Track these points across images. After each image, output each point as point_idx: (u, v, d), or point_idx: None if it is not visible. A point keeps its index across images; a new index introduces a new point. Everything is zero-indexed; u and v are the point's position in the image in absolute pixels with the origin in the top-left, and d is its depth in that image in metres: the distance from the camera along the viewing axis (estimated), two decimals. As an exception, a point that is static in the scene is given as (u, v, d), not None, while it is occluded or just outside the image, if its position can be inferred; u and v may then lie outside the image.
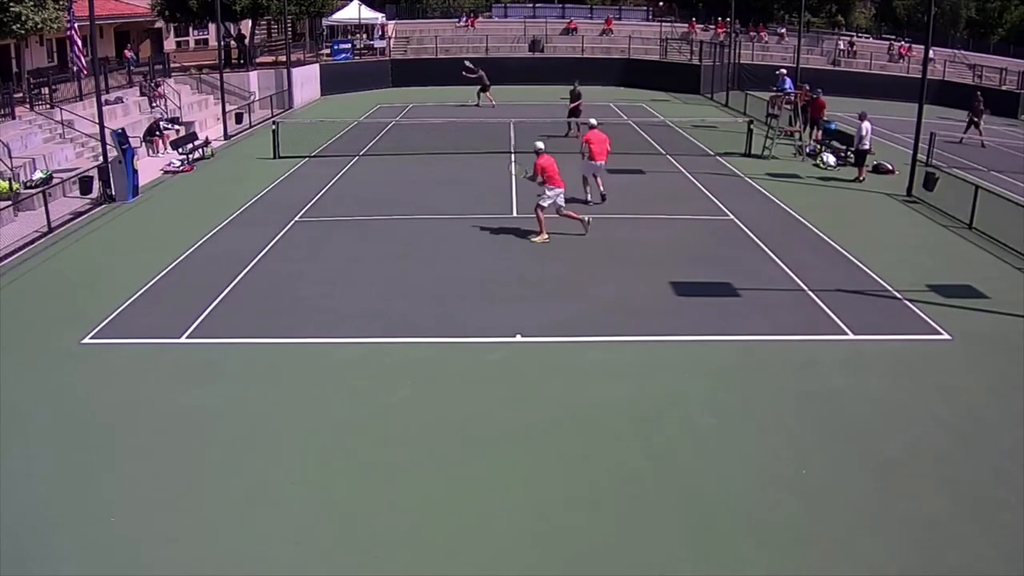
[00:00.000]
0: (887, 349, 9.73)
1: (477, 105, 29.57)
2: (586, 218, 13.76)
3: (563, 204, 13.62)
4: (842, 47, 42.45)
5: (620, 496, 6.88)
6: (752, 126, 21.73)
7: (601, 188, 15.94)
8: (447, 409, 8.29)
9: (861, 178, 18.70)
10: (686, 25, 44.02)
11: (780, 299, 11.24)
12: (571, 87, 23.79)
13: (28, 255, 13.30)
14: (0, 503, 6.65)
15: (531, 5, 47.83)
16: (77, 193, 16.80)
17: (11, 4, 20.44)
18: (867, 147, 18.61)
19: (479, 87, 29.92)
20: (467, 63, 30.87)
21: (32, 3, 20.98)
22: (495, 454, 7.50)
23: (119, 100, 23.84)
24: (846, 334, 10.05)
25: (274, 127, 21.41)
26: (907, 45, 41.93)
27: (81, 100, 22.31)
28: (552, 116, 25.73)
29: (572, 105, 23.23)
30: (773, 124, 22.71)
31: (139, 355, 9.58)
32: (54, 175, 17.42)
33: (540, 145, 13.64)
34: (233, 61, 34.37)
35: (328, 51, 39.34)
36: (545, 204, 13.40)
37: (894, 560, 6.07)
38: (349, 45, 39.29)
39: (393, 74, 38.25)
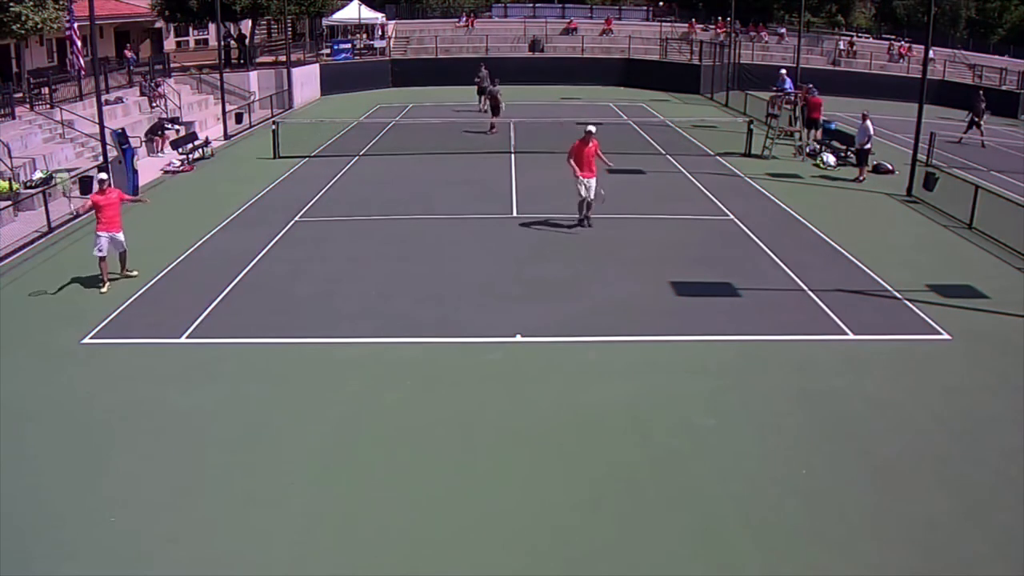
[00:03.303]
0: (887, 349, 9.73)
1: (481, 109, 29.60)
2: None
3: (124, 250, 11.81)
4: (842, 47, 42.41)
5: (620, 496, 6.88)
6: (752, 126, 21.72)
7: None
8: (447, 409, 8.29)
9: (861, 178, 18.69)
10: (686, 25, 43.95)
11: (780, 299, 11.23)
12: (496, 90, 24.69)
13: (28, 255, 13.30)
14: (0, 503, 6.65)
15: (531, 5, 47.75)
16: (77, 193, 16.78)
17: (11, 4, 20.42)
18: (869, 147, 18.62)
19: (477, 89, 29.93)
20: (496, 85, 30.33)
21: (32, 3, 20.96)
22: (495, 454, 7.50)
23: (119, 100, 23.81)
24: (846, 334, 10.05)
25: (274, 127, 21.39)
26: (907, 45, 41.89)
27: (81, 100, 22.28)
28: (552, 115, 25.78)
29: (494, 104, 24.24)
30: (773, 124, 22.71)
31: (139, 355, 9.58)
32: (54, 175, 17.40)
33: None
34: (233, 61, 34.35)
35: (328, 51, 39.32)
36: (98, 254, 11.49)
37: (894, 560, 6.08)
38: (349, 45, 39.27)
39: (393, 74, 38.24)
